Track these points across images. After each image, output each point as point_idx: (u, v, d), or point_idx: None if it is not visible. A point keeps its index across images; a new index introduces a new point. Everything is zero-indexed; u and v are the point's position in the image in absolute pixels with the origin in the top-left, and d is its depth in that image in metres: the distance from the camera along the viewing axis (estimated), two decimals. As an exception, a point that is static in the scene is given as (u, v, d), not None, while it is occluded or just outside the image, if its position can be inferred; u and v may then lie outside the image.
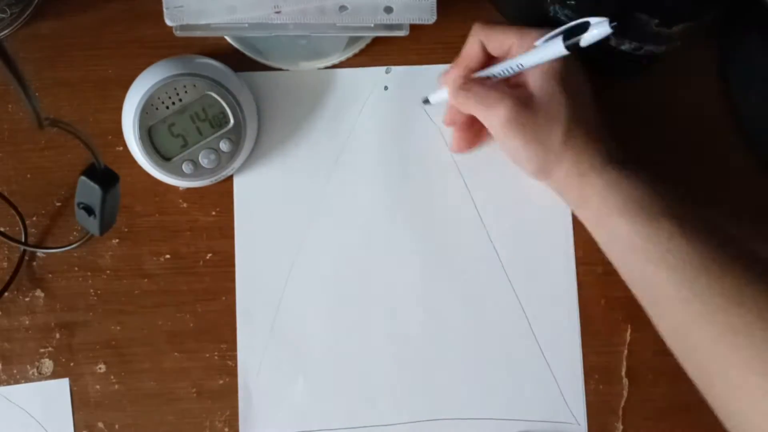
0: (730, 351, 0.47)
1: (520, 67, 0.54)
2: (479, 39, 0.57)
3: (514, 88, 0.56)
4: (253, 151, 0.63)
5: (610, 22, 0.46)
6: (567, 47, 0.49)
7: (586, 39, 0.48)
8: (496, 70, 0.56)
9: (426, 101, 0.63)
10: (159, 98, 0.58)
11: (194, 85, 0.59)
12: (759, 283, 0.47)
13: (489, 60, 0.58)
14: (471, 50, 0.58)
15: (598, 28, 0.47)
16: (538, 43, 0.53)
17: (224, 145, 0.60)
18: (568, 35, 0.49)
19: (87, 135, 0.41)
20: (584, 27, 0.48)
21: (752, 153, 0.65)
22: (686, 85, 0.65)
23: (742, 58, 0.64)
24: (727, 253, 0.49)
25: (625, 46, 0.57)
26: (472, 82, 0.57)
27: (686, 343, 0.50)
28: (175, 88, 0.59)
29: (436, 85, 0.62)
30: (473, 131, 0.62)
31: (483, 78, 0.58)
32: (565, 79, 0.54)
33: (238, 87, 0.61)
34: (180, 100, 0.59)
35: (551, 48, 0.51)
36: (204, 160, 0.60)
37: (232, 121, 0.60)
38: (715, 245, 0.49)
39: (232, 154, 0.60)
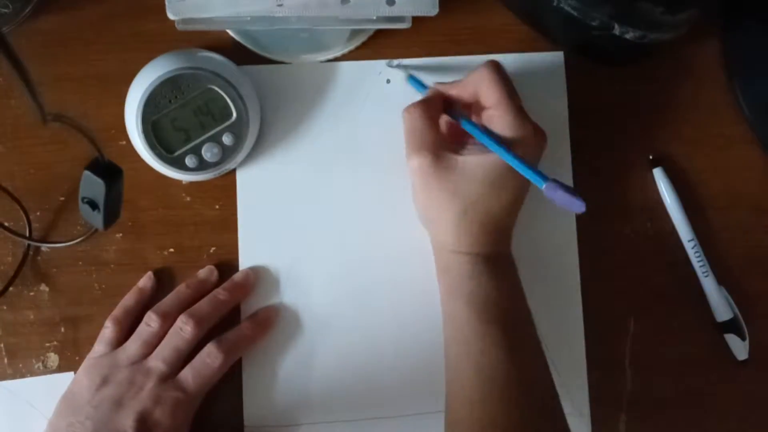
0: None
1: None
2: (481, 75, 0.56)
3: (454, 140, 0.58)
4: (256, 145, 0.63)
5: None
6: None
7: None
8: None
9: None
10: (161, 92, 0.58)
11: (197, 79, 0.59)
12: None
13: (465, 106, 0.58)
14: (470, 81, 0.57)
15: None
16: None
17: (227, 139, 0.60)
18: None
19: (90, 129, 0.41)
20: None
21: (756, 144, 0.65)
22: (690, 77, 0.65)
23: (745, 49, 0.64)
24: (527, 381, 0.53)
25: (630, 35, 0.57)
26: (421, 115, 0.56)
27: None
28: (178, 82, 0.59)
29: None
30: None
31: (437, 110, 0.58)
32: (494, 176, 0.54)
33: (240, 81, 0.61)
34: (183, 94, 0.59)
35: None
36: (207, 154, 0.60)
37: (234, 114, 0.60)
38: (523, 370, 0.53)
39: (235, 148, 0.60)
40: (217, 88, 0.59)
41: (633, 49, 0.60)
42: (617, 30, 0.57)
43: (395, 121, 0.63)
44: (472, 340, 0.53)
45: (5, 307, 0.62)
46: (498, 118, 0.54)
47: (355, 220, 0.64)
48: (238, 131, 0.60)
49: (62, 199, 0.63)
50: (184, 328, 0.58)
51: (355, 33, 0.64)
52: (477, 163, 0.54)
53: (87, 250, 0.63)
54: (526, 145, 0.54)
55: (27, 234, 0.62)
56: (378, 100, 0.64)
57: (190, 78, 0.59)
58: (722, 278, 0.64)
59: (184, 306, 0.60)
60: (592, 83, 0.64)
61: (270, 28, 0.61)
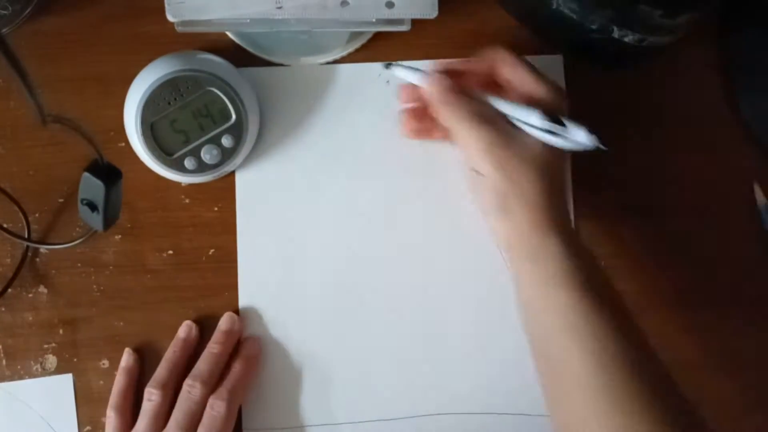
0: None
1: (504, 107, 0.54)
2: (497, 59, 0.56)
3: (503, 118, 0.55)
4: (255, 147, 0.63)
5: (600, 142, 0.50)
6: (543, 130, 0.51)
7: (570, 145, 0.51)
8: (500, 104, 0.55)
9: (388, 66, 0.61)
10: (161, 94, 0.59)
11: (196, 81, 0.59)
12: (638, 369, 0.49)
13: (489, 82, 0.57)
14: (483, 63, 0.57)
15: (574, 134, 0.51)
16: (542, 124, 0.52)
17: (226, 141, 0.60)
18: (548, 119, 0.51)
19: (90, 131, 0.41)
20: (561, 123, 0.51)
21: (754, 147, 0.65)
22: (689, 80, 0.65)
23: (744, 52, 0.64)
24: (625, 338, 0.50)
25: (629, 38, 0.57)
26: (461, 91, 0.55)
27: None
28: (177, 85, 0.59)
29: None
30: (424, 123, 0.61)
31: (471, 92, 0.56)
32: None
33: (239, 83, 0.61)
34: (182, 95, 0.59)
35: (525, 115, 0.52)
36: (206, 156, 0.60)
37: (234, 116, 0.60)
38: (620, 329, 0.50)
39: (235, 150, 0.60)
40: (216, 90, 0.59)
41: (632, 52, 0.60)
42: (616, 33, 0.57)
43: (394, 123, 0.64)
44: (583, 327, 0.50)
45: (3, 309, 0.62)
46: (538, 91, 0.54)
47: (354, 222, 0.64)
48: (238, 133, 0.60)
49: (61, 200, 0.63)
50: (192, 391, 0.58)
51: (354, 35, 0.64)
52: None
53: (86, 252, 0.63)
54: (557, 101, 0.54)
55: (26, 235, 0.62)
56: (377, 102, 0.64)
57: (189, 80, 0.59)
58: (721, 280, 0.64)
59: (179, 370, 0.60)
60: (591, 86, 0.64)
61: (269, 31, 0.61)
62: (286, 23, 0.58)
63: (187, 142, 0.60)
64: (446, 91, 0.55)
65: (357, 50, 0.64)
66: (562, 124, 0.51)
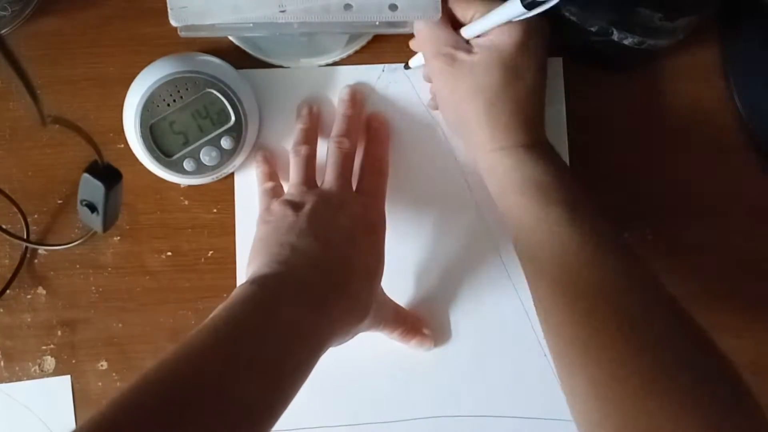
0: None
1: (483, 27, 0.55)
2: (447, 9, 0.57)
3: (468, 47, 0.57)
4: (255, 149, 0.63)
5: None
6: (524, 5, 0.50)
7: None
8: (466, 31, 0.57)
9: (407, 66, 0.64)
10: (160, 96, 0.59)
11: (195, 83, 0.59)
12: (615, 279, 0.49)
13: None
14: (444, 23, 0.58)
15: None
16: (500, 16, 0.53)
17: (226, 143, 0.60)
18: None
19: (89, 132, 0.41)
20: None
21: (754, 150, 0.65)
22: (688, 83, 0.65)
23: (744, 55, 0.64)
24: (603, 243, 0.51)
25: (628, 41, 0.57)
26: (438, 26, 0.57)
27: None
28: (176, 86, 0.59)
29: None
30: None
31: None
32: (507, 57, 0.54)
33: (239, 84, 0.61)
34: (181, 97, 0.59)
35: (510, 7, 0.52)
36: (205, 158, 0.60)
37: (233, 118, 0.60)
38: (592, 240, 0.51)
39: (234, 152, 0.60)
40: (215, 92, 0.59)
41: (631, 55, 0.60)
42: (616, 36, 0.57)
43: (394, 125, 0.64)
44: (536, 225, 0.52)
45: (2, 310, 0.62)
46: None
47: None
48: (237, 135, 0.60)
49: (60, 201, 0.63)
50: (341, 144, 0.60)
51: (354, 37, 0.64)
52: (491, 51, 0.54)
53: (84, 253, 0.63)
54: None
55: (25, 236, 0.62)
56: (377, 104, 0.64)
57: (188, 81, 0.59)
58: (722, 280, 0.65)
59: (313, 132, 0.62)
60: (591, 89, 0.64)
61: (272, 34, 0.61)
62: (289, 27, 0.58)
63: (186, 143, 0.60)
64: (426, 26, 0.57)
65: (356, 52, 0.64)
66: None
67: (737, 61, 0.64)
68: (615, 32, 0.57)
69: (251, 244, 0.56)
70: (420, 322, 0.62)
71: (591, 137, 0.64)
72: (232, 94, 0.60)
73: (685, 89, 0.65)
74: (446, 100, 0.58)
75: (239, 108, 0.60)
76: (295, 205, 0.55)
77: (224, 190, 0.64)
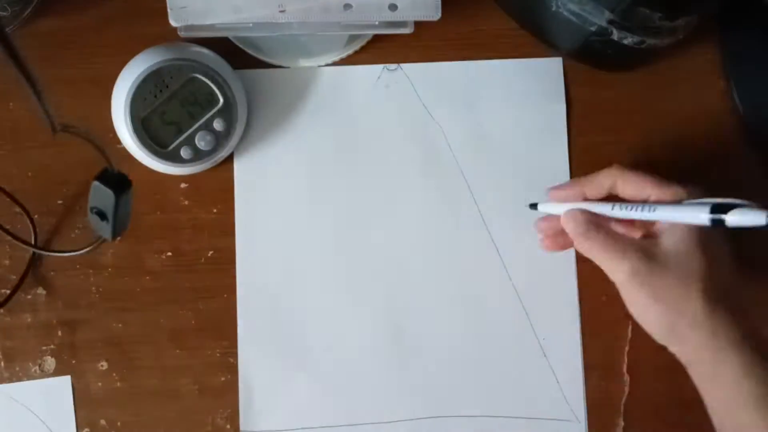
0: None
1: (651, 214, 0.52)
2: (614, 178, 0.55)
3: (644, 238, 0.54)
4: (255, 150, 0.63)
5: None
6: (712, 221, 0.47)
7: (734, 222, 0.47)
8: (621, 212, 0.54)
9: (533, 207, 0.61)
10: (145, 89, 0.59)
11: (179, 70, 0.59)
12: None
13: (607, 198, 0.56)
14: (599, 184, 0.56)
15: (752, 216, 0.46)
16: (684, 202, 0.50)
17: (218, 125, 0.60)
18: (716, 208, 0.48)
19: (100, 140, 0.41)
20: (731, 206, 0.47)
21: (754, 150, 0.65)
22: (688, 83, 0.65)
23: (744, 55, 0.64)
24: None
25: (628, 41, 0.57)
26: (598, 229, 0.53)
27: None
28: (160, 77, 0.59)
29: (545, 197, 0.60)
30: (562, 238, 0.60)
31: (609, 223, 0.55)
32: (705, 242, 0.50)
33: (220, 65, 0.61)
34: (167, 86, 0.59)
35: (693, 212, 0.49)
36: (201, 143, 0.60)
37: (221, 99, 0.60)
38: None
39: (228, 133, 0.60)
40: (200, 76, 0.59)
41: (631, 55, 0.60)
42: (616, 35, 0.57)
43: (393, 125, 0.64)
44: None
45: (2, 310, 0.62)
46: (667, 193, 0.52)
47: (353, 224, 0.64)
48: (228, 116, 0.60)
49: (60, 202, 0.63)
50: None
51: (353, 38, 0.64)
52: (684, 237, 0.50)
53: (84, 254, 0.62)
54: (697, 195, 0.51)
55: (33, 241, 0.62)
56: (376, 105, 0.64)
57: (171, 70, 0.59)
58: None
59: None
60: (591, 89, 0.65)
61: (271, 35, 0.61)
62: (288, 27, 0.58)
63: (179, 132, 0.60)
64: (582, 232, 0.54)
65: (356, 52, 0.64)
66: (729, 209, 0.47)
67: (737, 61, 0.64)
68: (615, 32, 0.57)
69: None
70: None
71: (591, 137, 0.64)
72: (216, 76, 0.59)
73: (685, 89, 0.65)
74: (650, 305, 0.51)
75: (226, 88, 0.60)
76: None
77: (224, 189, 0.64)
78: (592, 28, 0.57)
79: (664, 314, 0.50)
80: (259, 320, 0.63)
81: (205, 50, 0.61)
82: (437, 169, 0.64)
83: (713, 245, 0.51)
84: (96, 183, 0.45)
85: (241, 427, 0.62)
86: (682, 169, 0.65)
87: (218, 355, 0.63)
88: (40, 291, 0.63)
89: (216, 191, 0.63)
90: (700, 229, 0.50)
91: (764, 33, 0.63)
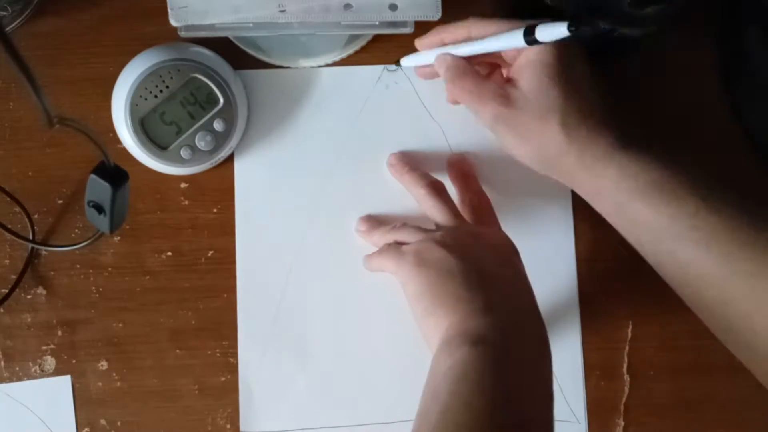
0: None
1: (481, 46, 0.55)
2: (467, 26, 0.57)
3: (507, 83, 0.55)
4: (255, 150, 0.63)
5: (569, 25, 0.48)
6: (527, 41, 0.51)
7: (543, 38, 0.50)
8: (461, 49, 0.56)
9: (398, 63, 0.63)
10: (146, 88, 0.59)
11: (178, 70, 0.59)
12: None
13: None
14: (455, 31, 0.57)
15: (555, 30, 0.49)
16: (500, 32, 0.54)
17: (218, 125, 0.60)
18: (527, 30, 0.51)
19: (97, 133, 0.41)
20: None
21: (753, 150, 0.65)
22: (687, 82, 0.65)
23: (743, 55, 0.64)
24: (754, 221, 0.48)
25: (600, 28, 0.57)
26: (464, 74, 0.55)
27: (724, 317, 0.49)
28: (160, 77, 0.59)
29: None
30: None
31: (474, 69, 0.57)
32: (558, 71, 0.53)
33: (220, 65, 0.61)
34: (167, 87, 0.59)
35: (512, 37, 0.53)
36: (201, 143, 0.60)
37: (221, 100, 0.60)
38: (742, 216, 0.48)
39: (228, 133, 0.61)
40: (200, 76, 0.59)
41: (604, 44, 0.59)
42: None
43: (394, 125, 0.64)
44: (668, 224, 0.49)
45: (2, 310, 0.62)
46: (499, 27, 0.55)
47: (352, 224, 0.64)
48: (228, 116, 0.60)
49: (60, 202, 0.63)
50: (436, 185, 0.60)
51: (353, 38, 0.64)
52: (534, 72, 0.53)
53: (85, 254, 0.62)
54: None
55: (30, 237, 0.62)
56: (376, 105, 0.64)
57: (171, 70, 0.59)
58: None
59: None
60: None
61: (272, 35, 0.61)
62: (289, 27, 0.58)
63: (179, 132, 0.60)
64: (452, 77, 0.56)
65: (356, 52, 0.64)
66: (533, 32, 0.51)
67: (737, 60, 0.64)
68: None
69: (413, 290, 0.54)
70: None
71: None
72: (216, 76, 0.60)
73: (684, 89, 0.65)
74: (519, 141, 0.54)
75: (226, 88, 0.60)
76: (451, 248, 0.53)
77: (224, 189, 0.64)
78: (565, 13, 0.57)
79: (533, 150, 0.54)
80: (259, 320, 0.63)
81: (205, 50, 0.61)
82: (437, 168, 0.64)
83: (567, 73, 0.53)
84: (93, 176, 0.45)
85: (241, 427, 0.62)
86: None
87: (218, 354, 0.63)
88: (40, 291, 0.63)
89: (216, 191, 0.63)
90: (551, 64, 0.53)
91: (764, 33, 0.63)
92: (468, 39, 0.57)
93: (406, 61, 0.63)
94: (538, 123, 0.53)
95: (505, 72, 0.59)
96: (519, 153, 0.55)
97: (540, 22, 0.50)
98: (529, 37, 0.51)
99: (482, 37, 0.56)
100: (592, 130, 0.52)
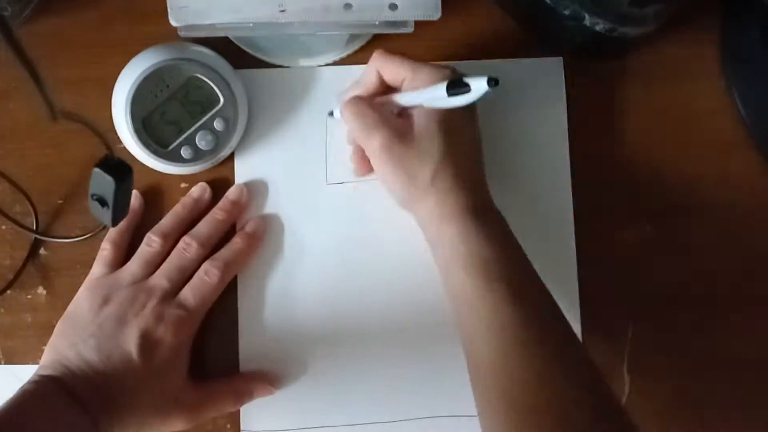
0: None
1: (404, 102, 0.56)
2: (376, 67, 0.57)
3: (400, 117, 0.57)
4: (255, 150, 0.64)
5: (489, 81, 0.49)
6: (450, 95, 0.52)
7: (466, 99, 0.51)
8: (393, 100, 0.57)
9: (331, 114, 0.63)
10: (146, 88, 0.59)
11: (178, 70, 0.59)
12: (557, 362, 0.50)
13: (386, 89, 0.59)
14: (368, 77, 0.58)
15: (476, 86, 0.50)
16: (425, 96, 0.54)
17: (218, 124, 0.60)
18: (452, 86, 0.51)
19: (100, 126, 0.41)
20: (465, 84, 0.51)
21: (754, 149, 0.65)
22: (688, 82, 0.65)
23: (744, 54, 0.64)
24: (542, 329, 0.52)
25: (600, 27, 0.57)
26: (360, 103, 0.57)
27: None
28: (161, 77, 0.59)
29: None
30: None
31: (372, 101, 0.58)
32: (446, 122, 0.55)
33: (221, 65, 0.61)
34: (167, 86, 0.59)
35: (433, 93, 0.53)
36: (201, 143, 0.60)
37: (222, 99, 0.60)
38: (536, 321, 0.52)
39: (228, 133, 0.61)
40: (200, 76, 0.59)
41: (603, 43, 0.59)
42: (588, 21, 0.57)
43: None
44: (480, 303, 0.52)
45: (2, 310, 0.62)
46: (419, 74, 0.55)
47: (354, 224, 0.64)
48: (228, 115, 0.60)
49: (60, 201, 0.63)
50: (188, 249, 0.60)
51: (353, 37, 0.64)
52: (430, 120, 0.55)
53: (85, 254, 0.62)
54: (454, 75, 0.55)
55: (34, 227, 0.63)
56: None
57: (172, 70, 0.59)
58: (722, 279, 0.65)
59: (182, 226, 0.62)
60: (591, 89, 0.65)
61: (272, 34, 0.61)
62: (289, 27, 0.58)
63: (180, 132, 0.60)
64: (344, 105, 0.58)
65: (356, 52, 0.64)
66: (465, 84, 0.51)
67: (737, 60, 0.64)
68: (587, 17, 0.57)
69: (67, 311, 0.59)
70: (247, 382, 0.62)
71: (591, 137, 0.65)
72: (216, 76, 0.60)
73: (685, 88, 0.65)
74: (389, 176, 0.56)
75: (226, 88, 0.60)
76: (102, 298, 0.58)
77: (224, 190, 0.63)
78: (566, 12, 0.57)
79: (404, 183, 0.55)
80: (259, 320, 0.63)
81: (205, 50, 0.61)
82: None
83: (455, 126, 0.55)
84: (96, 170, 0.46)
85: (242, 427, 0.62)
86: (682, 169, 0.65)
87: (218, 354, 0.63)
88: (41, 291, 0.63)
89: (216, 191, 0.63)
90: (444, 112, 0.55)
91: (764, 33, 0.63)
92: (382, 84, 0.58)
93: (337, 114, 0.62)
94: (418, 160, 0.55)
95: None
96: (389, 182, 0.57)
97: (452, 79, 0.52)
98: (453, 91, 0.52)
99: (391, 80, 0.57)
100: (456, 184, 0.55)
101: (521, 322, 0.51)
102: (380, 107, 0.57)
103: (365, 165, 0.61)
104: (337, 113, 0.62)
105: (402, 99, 0.56)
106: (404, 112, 0.57)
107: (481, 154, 0.58)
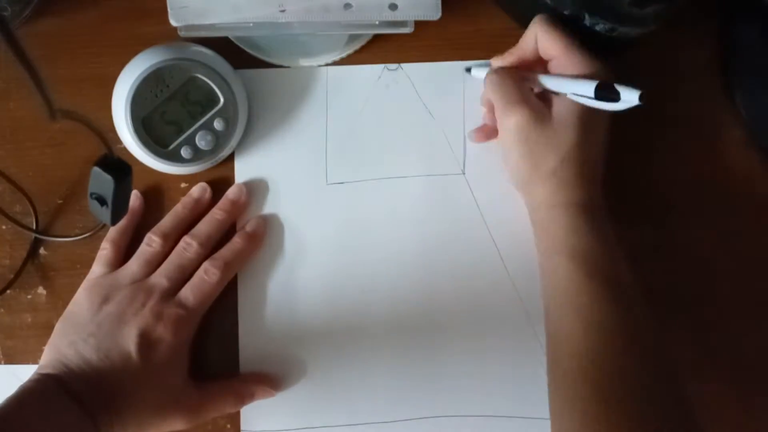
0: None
1: (549, 86, 0.57)
2: (535, 32, 0.58)
3: (541, 99, 0.57)
4: (255, 150, 0.64)
5: (641, 97, 0.50)
6: (597, 97, 0.53)
7: (613, 107, 0.52)
8: (539, 80, 0.58)
9: (468, 70, 0.64)
10: (146, 88, 0.59)
11: (179, 70, 0.59)
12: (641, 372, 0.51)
13: (540, 59, 0.59)
14: (527, 42, 0.59)
15: (627, 97, 0.51)
16: (571, 88, 0.55)
17: (218, 125, 0.60)
18: (601, 89, 0.52)
19: (99, 126, 0.41)
20: (616, 92, 0.51)
21: (754, 149, 0.65)
22: (688, 81, 0.65)
23: (744, 53, 0.64)
24: (636, 329, 0.53)
25: (600, 27, 0.57)
26: (506, 76, 0.58)
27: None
28: (161, 76, 0.59)
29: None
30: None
31: (520, 74, 0.59)
32: (584, 117, 0.55)
33: (221, 65, 0.61)
34: (167, 86, 0.59)
35: (581, 89, 0.54)
36: (201, 143, 0.60)
37: (222, 99, 0.60)
38: (631, 320, 0.53)
39: (228, 133, 0.61)
40: (200, 76, 0.59)
41: (603, 43, 0.59)
42: (587, 21, 0.57)
43: (394, 125, 0.64)
44: (576, 295, 0.53)
45: (2, 310, 0.62)
46: (569, 60, 0.56)
47: (354, 224, 0.64)
48: (228, 115, 0.60)
49: (60, 202, 0.63)
50: (188, 249, 0.60)
51: (353, 37, 0.64)
52: (571, 110, 0.55)
53: (85, 254, 0.62)
54: (604, 75, 0.55)
55: (34, 227, 0.63)
56: (377, 105, 0.64)
57: (172, 70, 0.59)
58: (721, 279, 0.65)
59: (182, 226, 0.62)
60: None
61: (272, 34, 0.61)
62: (289, 27, 0.58)
63: (180, 131, 0.60)
64: (495, 73, 0.59)
65: (356, 52, 0.64)
66: (616, 91, 0.52)
67: (737, 59, 0.64)
68: (587, 17, 0.57)
69: (66, 311, 0.59)
70: (249, 384, 0.62)
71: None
72: (216, 75, 0.60)
73: (684, 87, 0.65)
74: (513, 154, 0.57)
75: (226, 88, 0.60)
76: (102, 298, 0.58)
77: (224, 190, 0.63)
78: (566, 12, 0.57)
79: (528, 167, 0.57)
80: (259, 321, 0.63)
81: (205, 50, 0.61)
82: (437, 167, 0.64)
83: (591, 124, 0.56)
84: (96, 168, 0.46)
85: (242, 427, 0.62)
86: (682, 169, 0.65)
87: (219, 354, 0.63)
88: (40, 291, 0.63)
89: (216, 191, 0.63)
90: (584, 108, 0.55)
91: (764, 32, 0.63)
92: (536, 52, 0.58)
93: (476, 72, 0.63)
94: (545, 150, 0.56)
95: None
96: (512, 162, 0.58)
97: (615, 84, 0.52)
98: (602, 93, 0.52)
99: (546, 57, 0.58)
100: (577, 179, 0.56)
101: (614, 319, 0.52)
102: (522, 82, 0.58)
103: (486, 133, 0.63)
104: (475, 72, 0.63)
105: (548, 83, 0.57)
106: (544, 94, 0.58)
107: (605, 154, 0.58)
